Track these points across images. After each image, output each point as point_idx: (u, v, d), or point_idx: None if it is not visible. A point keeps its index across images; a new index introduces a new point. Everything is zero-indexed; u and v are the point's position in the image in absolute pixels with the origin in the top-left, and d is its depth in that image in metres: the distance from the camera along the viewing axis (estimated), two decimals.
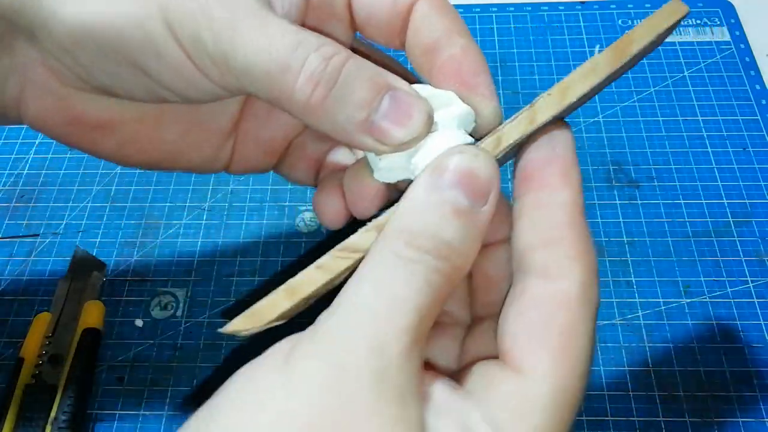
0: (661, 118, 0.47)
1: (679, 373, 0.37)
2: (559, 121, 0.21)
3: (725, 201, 0.43)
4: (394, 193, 0.24)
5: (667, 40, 0.51)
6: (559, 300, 0.18)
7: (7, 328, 0.40)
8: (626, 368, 0.37)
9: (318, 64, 0.20)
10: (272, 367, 0.17)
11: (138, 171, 0.46)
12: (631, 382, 0.37)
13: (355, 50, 0.23)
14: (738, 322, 0.38)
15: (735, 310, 0.39)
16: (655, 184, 0.44)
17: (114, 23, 0.21)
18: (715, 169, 0.44)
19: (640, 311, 0.39)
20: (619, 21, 0.52)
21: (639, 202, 0.43)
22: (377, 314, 0.17)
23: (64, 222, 0.44)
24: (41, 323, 0.39)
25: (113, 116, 0.25)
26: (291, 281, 0.20)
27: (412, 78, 0.24)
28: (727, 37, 0.51)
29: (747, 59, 0.50)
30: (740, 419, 0.35)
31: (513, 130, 0.21)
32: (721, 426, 0.35)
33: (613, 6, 0.53)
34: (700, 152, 0.45)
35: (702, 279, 0.40)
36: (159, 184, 0.45)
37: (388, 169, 0.22)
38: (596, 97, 0.49)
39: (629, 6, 0.53)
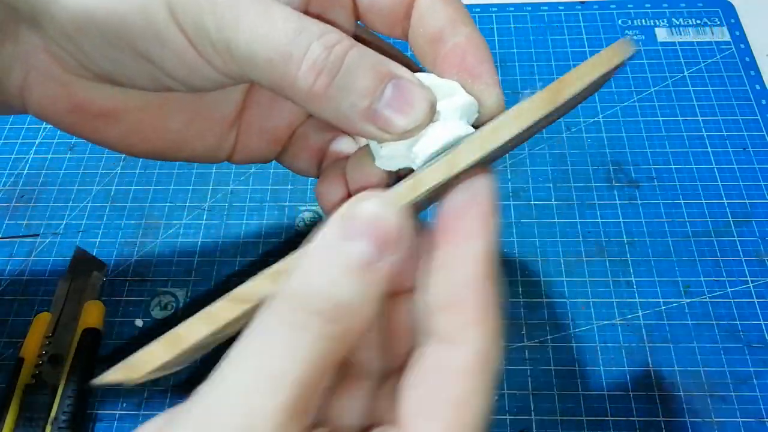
0: (661, 118, 0.47)
1: (679, 373, 0.37)
2: (483, 166, 0.20)
3: (725, 201, 0.43)
4: (393, 180, 0.24)
5: (667, 40, 0.51)
6: (454, 369, 0.18)
7: (7, 328, 0.40)
8: (626, 368, 0.37)
9: (321, 52, 0.20)
10: None
11: (138, 171, 0.46)
12: (631, 382, 0.37)
13: (357, 38, 0.23)
14: (738, 322, 0.38)
15: (735, 310, 0.39)
16: (655, 184, 0.44)
17: (117, 9, 0.21)
18: (715, 169, 0.44)
19: (640, 311, 0.39)
20: (619, 21, 0.52)
21: (639, 202, 0.43)
22: (252, 391, 0.16)
23: (64, 222, 0.44)
24: (41, 323, 0.39)
25: (117, 104, 0.25)
26: (173, 331, 0.19)
27: (414, 67, 0.24)
28: (727, 37, 0.51)
29: (747, 59, 0.50)
30: (740, 419, 0.35)
31: (431, 175, 0.19)
32: (721, 426, 0.35)
33: (613, 6, 0.53)
34: (700, 152, 0.45)
35: (702, 279, 0.40)
36: (159, 184, 0.45)
37: (389, 157, 0.22)
38: (596, 97, 0.49)
39: (629, 6, 0.53)
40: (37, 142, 0.48)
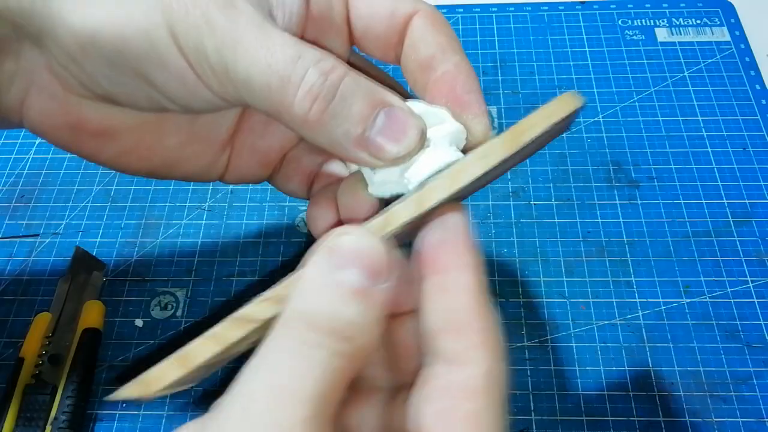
0: (661, 118, 0.47)
1: (679, 373, 0.37)
2: (453, 203, 0.21)
3: (725, 201, 0.43)
4: (385, 206, 0.25)
5: (667, 40, 0.51)
6: (465, 389, 0.18)
7: (7, 328, 0.40)
8: (626, 368, 0.37)
9: (317, 79, 0.20)
10: None
11: None
12: (631, 382, 0.37)
13: (351, 64, 0.23)
14: (738, 322, 0.38)
15: (735, 310, 0.39)
16: (655, 184, 0.44)
17: (121, 32, 0.21)
18: (715, 169, 0.44)
19: (640, 311, 0.39)
20: (619, 21, 0.52)
21: (639, 202, 0.43)
22: (274, 406, 0.17)
23: (64, 222, 0.44)
24: (41, 323, 0.39)
25: (114, 123, 0.25)
26: (183, 349, 0.20)
27: (405, 93, 0.25)
28: (727, 37, 0.51)
29: (747, 59, 0.50)
30: (740, 419, 0.35)
31: (401, 212, 0.21)
32: (721, 426, 0.35)
33: (613, 6, 0.53)
34: (700, 152, 0.45)
35: (702, 279, 0.40)
36: (159, 184, 0.45)
37: (382, 183, 0.23)
38: (596, 97, 0.49)
39: (629, 6, 0.53)
40: (37, 142, 0.48)
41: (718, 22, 0.52)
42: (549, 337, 0.38)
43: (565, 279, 0.40)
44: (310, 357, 0.17)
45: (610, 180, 0.44)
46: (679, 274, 0.40)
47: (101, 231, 0.44)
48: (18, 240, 0.43)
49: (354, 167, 0.27)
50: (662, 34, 0.51)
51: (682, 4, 0.53)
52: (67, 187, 0.46)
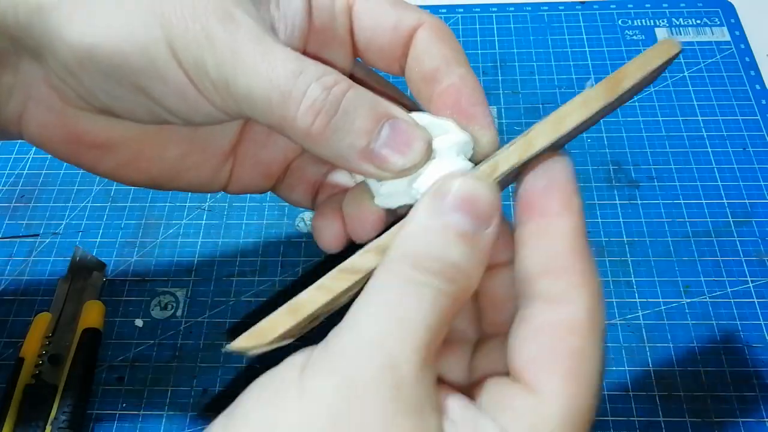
0: (661, 118, 0.47)
1: (679, 373, 0.37)
2: (554, 151, 0.21)
3: (725, 201, 0.43)
4: (393, 218, 0.25)
5: None
6: (568, 325, 0.19)
7: (7, 328, 0.40)
8: (626, 368, 0.37)
9: (319, 93, 0.20)
10: (287, 382, 0.17)
11: None
12: (631, 382, 0.37)
13: (354, 75, 0.23)
14: (738, 322, 0.38)
15: (735, 310, 0.39)
16: (655, 184, 0.44)
17: (119, 47, 0.21)
18: (715, 169, 0.44)
19: (640, 311, 0.39)
20: (619, 21, 0.52)
21: (639, 202, 0.43)
22: (388, 335, 0.17)
23: (64, 222, 0.44)
24: (41, 323, 0.39)
25: (114, 136, 0.25)
26: (293, 300, 0.20)
27: (410, 104, 0.25)
28: (727, 37, 0.51)
29: (747, 59, 0.50)
30: (740, 419, 0.35)
31: (509, 157, 0.21)
32: (721, 426, 0.35)
33: (613, 6, 0.53)
34: (700, 152, 0.45)
35: (702, 279, 0.40)
36: None
37: (388, 194, 0.23)
38: None
39: (629, 6, 0.53)
40: None
41: (718, 22, 0.52)
42: None
43: None
44: (420, 293, 0.18)
45: (610, 180, 0.44)
46: (679, 274, 0.40)
47: (101, 231, 0.44)
48: (18, 240, 0.43)
49: (359, 177, 0.27)
50: (662, 34, 0.51)
51: (682, 4, 0.53)
52: (67, 187, 0.46)
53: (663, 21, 0.52)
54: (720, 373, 0.37)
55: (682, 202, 0.43)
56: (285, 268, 0.42)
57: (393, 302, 0.18)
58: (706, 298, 0.39)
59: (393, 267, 0.19)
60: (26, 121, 0.25)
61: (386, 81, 0.28)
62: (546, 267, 0.20)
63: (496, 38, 0.52)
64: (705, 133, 0.46)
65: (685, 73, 0.49)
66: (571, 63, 0.50)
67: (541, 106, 0.48)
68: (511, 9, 0.54)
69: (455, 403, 0.19)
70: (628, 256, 0.41)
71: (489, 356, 0.22)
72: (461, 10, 0.54)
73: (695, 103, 0.47)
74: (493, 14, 0.54)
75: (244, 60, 0.20)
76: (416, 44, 0.24)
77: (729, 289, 0.39)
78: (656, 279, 0.40)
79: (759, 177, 0.44)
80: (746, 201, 0.43)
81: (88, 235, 0.43)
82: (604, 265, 0.41)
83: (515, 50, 0.51)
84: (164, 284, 0.41)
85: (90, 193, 0.45)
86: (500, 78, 0.50)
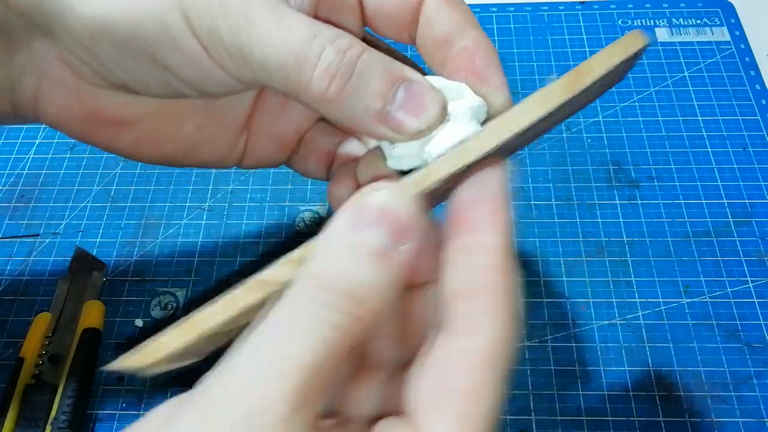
0: (661, 118, 0.47)
1: (679, 373, 0.37)
2: (498, 157, 0.20)
3: (725, 201, 0.43)
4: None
5: (667, 40, 0.51)
6: (465, 359, 0.17)
7: (7, 328, 0.40)
8: (626, 368, 0.37)
9: (334, 57, 0.20)
10: None
11: (138, 171, 0.46)
12: (631, 382, 0.37)
13: (365, 42, 0.23)
14: (738, 322, 0.38)
15: (735, 310, 0.39)
16: (655, 184, 0.44)
17: (132, 17, 0.21)
18: (715, 169, 0.44)
19: (640, 311, 0.39)
20: (619, 21, 0.52)
21: (639, 202, 0.43)
22: (261, 375, 0.16)
23: (64, 222, 0.44)
24: (41, 323, 0.39)
25: (130, 112, 0.25)
26: (189, 316, 0.18)
27: (422, 72, 0.24)
28: (727, 37, 0.51)
29: (747, 59, 0.49)
30: (740, 419, 0.35)
31: (442, 165, 0.19)
32: (721, 426, 0.35)
33: (613, 6, 0.53)
34: (700, 152, 0.45)
35: (702, 279, 0.40)
36: (159, 184, 0.45)
37: (401, 157, 0.22)
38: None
39: (629, 6, 0.53)
40: (37, 142, 0.48)
41: (718, 22, 0.52)
42: (549, 337, 0.38)
43: (565, 279, 0.40)
44: (320, 318, 0.17)
45: (610, 180, 0.44)
46: (679, 274, 0.40)
47: (101, 231, 0.44)
48: (18, 240, 0.43)
49: (372, 144, 0.27)
50: (662, 34, 0.51)
51: (682, 4, 0.53)
52: (67, 187, 0.46)
53: (663, 21, 0.52)
54: (720, 373, 0.37)
55: (682, 202, 0.43)
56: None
57: (279, 337, 0.16)
58: (706, 298, 0.39)
59: (298, 289, 0.18)
60: (42, 101, 0.25)
61: (397, 51, 0.27)
62: (460, 289, 0.18)
63: (496, 38, 0.52)
64: (705, 133, 0.46)
65: (685, 73, 0.49)
66: (571, 63, 0.50)
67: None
68: (511, 9, 0.54)
69: None
70: (628, 256, 0.41)
71: (402, 387, 0.20)
72: None
73: (695, 103, 0.47)
74: (493, 14, 0.54)
75: (259, 26, 0.20)
76: (426, 10, 0.24)
77: (729, 289, 0.39)
78: (656, 279, 0.40)
79: (759, 177, 0.44)
80: (746, 201, 0.43)
81: (88, 235, 0.43)
82: (604, 265, 0.41)
83: (515, 50, 0.51)
84: (164, 284, 0.41)
85: (90, 193, 0.45)
86: None
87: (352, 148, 0.28)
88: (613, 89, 0.48)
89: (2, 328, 0.40)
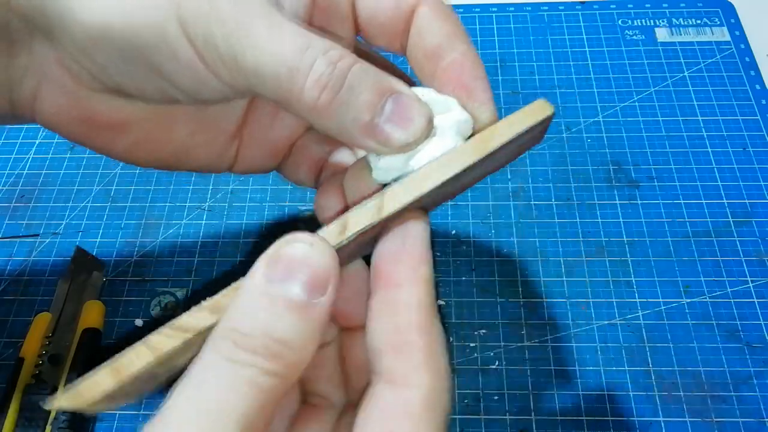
0: (661, 118, 0.47)
1: (679, 373, 0.37)
2: (417, 211, 0.20)
3: (725, 201, 0.43)
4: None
5: (667, 40, 0.51)
6: (403, 410, 0.18)
7: (7, 328, 0.40)
8: (626, 368, 0.37)
9: (326, 68, 0.20)
10: None
11: (138, 171, 0.46)
12: (631, 382, 0.37)
13: (357, 52, 0.23)
14: (738, 322, 0.38)
15: (735, 310, 0.39)
16: (655, 184, 0.44)
17: (130, 24, 0.21)
18: (715, 169, 0.44)
19: (640, 311, 0.39)
20: (619, 21, 0.52)
21: (639, 202, 0.43)
22: (197, 427, 0.16)
23: (64, 222, 0.44)
24: (41, 323, 0.39)
25: (125, 116, 0.25)
26: (116, 358, 0.19)
27: (411, 83, 0.25)
28: (727, 37, 0.51)
29: (747, 59, 0.50)
30: (740, 419, 0.35)
31: (360, 218, 0.20)
32: (721, 426, 0.35)
33: (613, 6, 0.53)
34: (700, 152, 0.45)
35: (702, 279, 0.40)
36: (159, 184, 0.45)
37: (386, 169, 0.22)
38: (596, 97, 0.49)
39: (629, 6, 0.53)
40: (37, 142, 0.48)
41: (718, 22, 0.52)
42: (549, 337, 0.38)
43: (565, 279, 0.40)
44: (237, 376, 0.17)
45: (610, 180, 0.44)
46: (679, 274, 0.40)
47: (101, 231, 0.44)
48: (18, 240, 0.43)
49: (361, 154, 0.27)
50: (662, 34, 0.51)
51: (682, 4, 0.53)
52: (67, 187, 0.46)
53: (663, 21, 0.52)
54: (720, 373, 0.37)
55: (682, 202, 0.43)
56: None
57: (207, 388, 0.17)
58: (706, 298, 0.39)
59: (215, 345, 0.18)
60: (40, 103, 0.25)
61: (387, 60, 0.27)
62: (388, 343, 0.19)
63: (496, 38, 0.52)
64: (705, 133, 0.46)
65: (685, 73, 0.49)
66: (571, 63, 0.50)
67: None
68: (511, 9, 0.54)
69: None
70: (628, 256, 0.41)
71: (348, 428, 0.21)
72: (461, 10, 0.54)
73: (695, 103, 0.47)
74: (493, 14, 0.54)
75: (253, 35, 0.20)
76: (417, 21, 0.24)
77: (729, 289, 0.39)
78: (656, 279, 0.40)
79: (759, 177, 0.44)
80: (746, 201, 0.43)
81: (88, 235, 0.43)
82: (604, 265, 0.41)
83: (515, 50, 0.51)
84: (164, 284, 0.41)
85: (90, 193, 0.45)
86: (500, 78, 0.50)
87: (343, 157, 0.29)
88: (613, 89, 0.48)
89: (2, 328, 0.40)
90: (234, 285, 0.19)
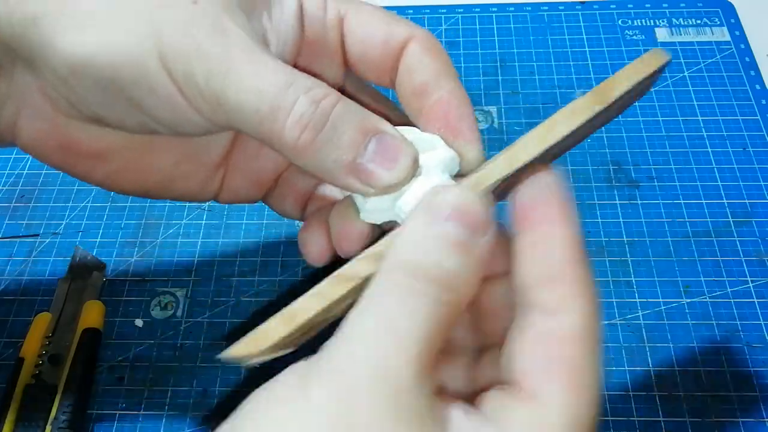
0: (661, 118, 0.47)
1: (679, 373, 0.37)
2: (542, 164, 0.21)
3: (725, 201, 0.43)
4: (378, 233, 0.25)
5: (667, 40, 0.51)
6: (565, 335, 0.19)
7: (7, 328, 0.40)
8: (626, 368, 0.37)
9: (308, 107, 0.20)
10: (288, 390, 0.17)
11: None
12: (631, 382, 0.37)
13: (345, 88, 0.23)
14: (738, 322, 0.38)
15: (735, 310, 0.39)
16: (655, 184, 0.44)
17: (111, 58, 0.21)
18: (715, 169, 0.44)
19: (640, 311, 0.39)
20: (619, 21, 0.52)
21: (639, 202, 0.43)
22: (383, 346, 0.17)
23: (64, 222, 0.44)
24: (41, 323, 0.39)
25: (105, 145, 0.26)
26: (287, 308, 0.20)
27: (400, 116, 0.25)
28: (727, 37, 0.51)
29: (747, 59, 0.50)
30: (740, 419, 0.35)
31: (495, 170, 0.21)
32: (721, 426, 0.35)
33: (613, 6, 0.53)
34: (700, 152, 0.45)
35: (702, 279, 0.40)
36: None
37: (373, 210, 0.23)
38: None
39: (629, 6, 0.53)
40: None
41: (718, 22, 0.52)
42: None
43: None
44: (416, 302, 0.18)
45: (610, 180, 0.44)
46: (679, 274, 0.40)
47: (101, 231, 0.44)
48: (18, 240, 0.43)
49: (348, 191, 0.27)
50: (662, 34, 0.51)
51: (682, 4, 0.53)
52: (67, 187, 0.46)
53: (663, 21, 0.52)
54: (720, 373, 0.37)
55: (682, 202, 0.43)
56: (285, 268, 0.42)
57: (388, 313, 0.18)
58: (706, 298, 0.39)
59: (389, 275, 0.19)
60: (20, 130, 0.25)
61: (378, 92, 0.28)
62: (542, 277, 0.19)
63: (496, 38, 0.52)
64: (705, 133, 0.46)
65: (685, 73, 0.49)
66: (571, 63, 0.50)
67: (541, 106, 0.48)
68: (511, 9, 0.54)
69: (457, 412, 0.18)
70: (628, 256, 0.41)
71: (489, 366, 0.22)
72: (461, 10, 0.54)
73: (695, 103, 0.47)
74: (493, 14, 0.54)
75: (235, 72, 0.20)
76: (406, 58, 0.24)
77: (729, 289, 0.39)
78: (656, 279, 0.40)
79: (759, 177, 0.44)
80: (746, 201, 0.43)
81: (88, 235, 0.43)
82: (604, 265, 0.41)
83: (515, 50, 0.51)
84: (164, 284, 0.41)
85: (90, 193, 0.45)
86: (500, 78, 0.50)
87: (329, 190, 0.29)
88: None
89: (2, 328, 0.40)
90: (388, 236, 0.20)
